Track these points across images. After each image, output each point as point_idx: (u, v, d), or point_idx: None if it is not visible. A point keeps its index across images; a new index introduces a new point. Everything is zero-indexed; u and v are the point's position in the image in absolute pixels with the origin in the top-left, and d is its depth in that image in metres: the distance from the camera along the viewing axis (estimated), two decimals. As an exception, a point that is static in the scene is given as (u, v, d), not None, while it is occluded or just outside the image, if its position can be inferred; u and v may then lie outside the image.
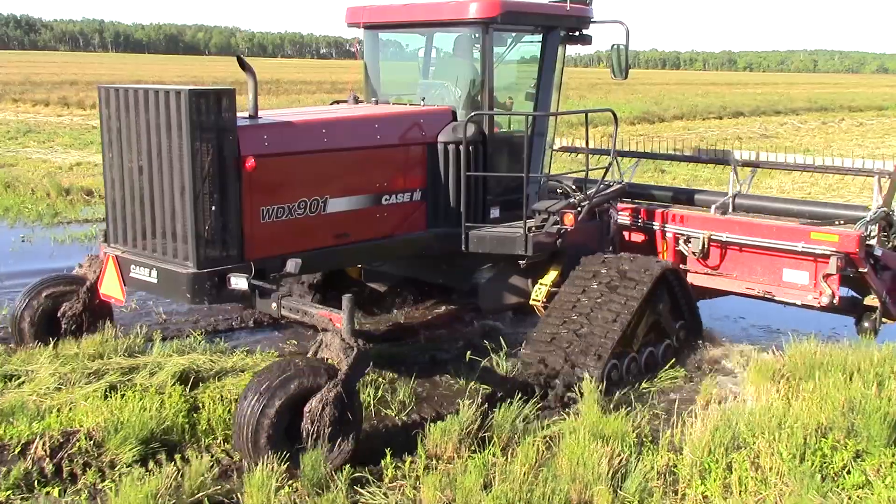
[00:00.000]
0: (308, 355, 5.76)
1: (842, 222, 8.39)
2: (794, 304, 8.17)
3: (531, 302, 7.94)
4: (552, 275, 7.92)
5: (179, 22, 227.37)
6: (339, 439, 5.34)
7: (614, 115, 8.44)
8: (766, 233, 8.10)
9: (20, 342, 7.12)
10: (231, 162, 5.94)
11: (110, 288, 6.53)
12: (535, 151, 8.10)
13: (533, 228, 7.60)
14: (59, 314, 7.17)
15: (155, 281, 6.16)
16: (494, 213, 7.92)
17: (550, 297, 7.77)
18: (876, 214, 8.07)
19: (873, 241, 7.97)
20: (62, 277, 7.46)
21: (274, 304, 6.07)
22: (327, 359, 5.58)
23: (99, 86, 6.48)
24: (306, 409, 5.31)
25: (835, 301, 7.80)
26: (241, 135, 6.01)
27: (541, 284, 7.92)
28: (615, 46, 8.31)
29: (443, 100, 8.08)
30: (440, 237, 7.65)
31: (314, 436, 5.28)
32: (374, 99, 8.41)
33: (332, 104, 9.03)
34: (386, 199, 7.26)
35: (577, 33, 8.37)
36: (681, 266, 8.56)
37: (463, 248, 7.64)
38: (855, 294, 8.39)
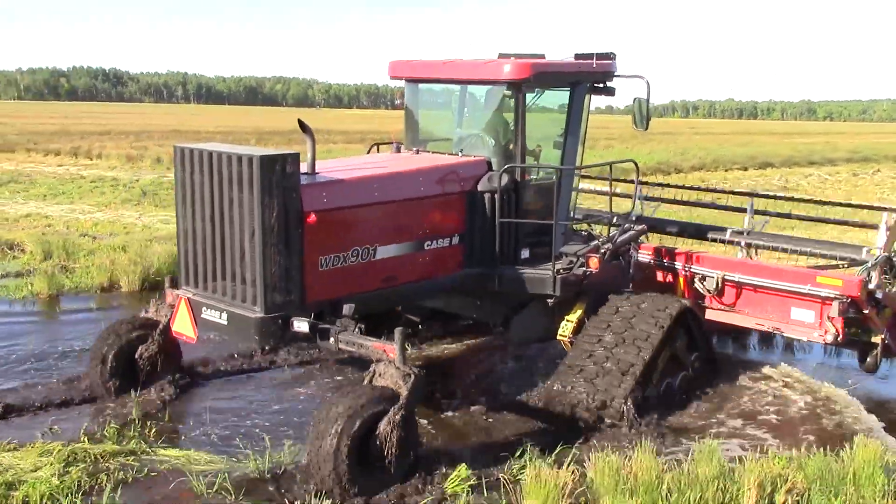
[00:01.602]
0: (364, 384, 6.34)
1: (846, 265, 9.14)
2: (801, 340, 8.87)
3: (558, 337, 8.58)
4: (578, 311, 8.58)
5: (259, 74, 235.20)
6: (403, 455, 6.04)
7: (636, 164, 9.14)
8: (776, 275, 8.73)
9: (102, 386, 7.63)
10: (294, 216, 6.55)
11: (183, 327, 7.14)
12: (563, 198, 8.74)
13: (561, 270, 8.26)
14: (136, 356, 7.71)
15: (225, 323, 6.77)
16: (525, 254, 8.55)
17: (576, 332, 8.45)
18: (877, 259, 8.69)
19: (874, 285, 8.57)
20: (137, 321, 7.94)
21: (332, 339, 6.67)
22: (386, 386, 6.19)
23: (175, 145, 7.09)
24: (378, 432, 5.91)
25: (839, 339, 8.39)
26: (304, 192, 6.64)
27: (567, 321, 8.57)
28: (637, 100, 8.86)
29: (477, 148, 8.68)
30: (475, 277, 8.30)
31: (386, 456, 5.93)
32: (413, 148, 9.01)
33: (372, 146, 9.77)
34: (428, 245, 7.90)
35: (602, 85, 8.98)
36: (698, 302, 9.21)
37: (497, 288, 8.32)
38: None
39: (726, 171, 33.51)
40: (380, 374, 6.33)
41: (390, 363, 6.32)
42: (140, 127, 52.02)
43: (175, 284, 7.58)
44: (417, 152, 8.92)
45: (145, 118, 67.37)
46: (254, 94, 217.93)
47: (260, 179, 6.33)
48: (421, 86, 9.25)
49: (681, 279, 9.36)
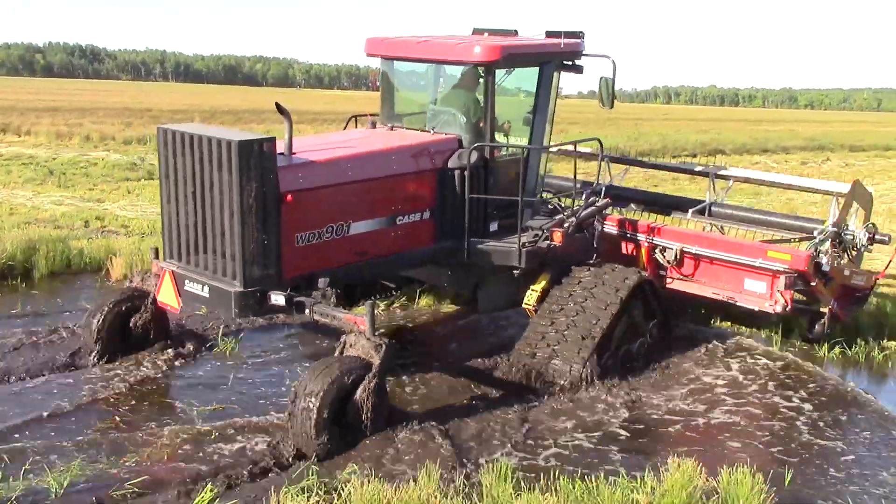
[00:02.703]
0: (336, 354, 6.82)
1: (797, 239, 9.70)
2: (753, 309, 9.30)
3: (524, 305, 9.00)
4: (542, 282, 9.01)
5: (239, 53, 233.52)
6: (377, 418, 6.58)
7: (600, 143, 9.55)
8: (731, 248, 9.23)
9: (97, 351, 8.01)
10: (272, 197, 6.92)
11: (167, 297, 7.57)
12: (530, 174, 9.17)
13: (526, 243, 8.64)
14: (130, 324, 8.18)
15: (206, 296, 7.18)
16: (493, 227, 8.97)
17: (540, 300, 8.88)
18: (826, 235, 9.21)
19: (823, 259, 9.06)
20: (130, 291, 8.36)
21: (307, 311, 7.08)
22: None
23: (158, 127, 7.40)
24: (354, 398, 6.46)
25: (787, 308, 8.91)
26: (281, 174, 6.99)
27: (532, 290, 8.99)
28: (602, 79, 9.14)
29: (449, 126, 8.99)
30: (446, 250, 8.71)
31: (360, 418, 6.49)
32: (388, 124, 9.35)
33: (350, 119, 10.11)
34: (400, 220, 8.26)
35: (570, 63, 9.31)
36: (658, 272, 9.69)
37: (465, 260, 8.72)
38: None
39: (673, 157, 32.58)
40: (350, 345, 6.78)
41: (361, 334, 6.76)
42: (94, 105, 49.48)
43: (158, 256, 7.93)
44: (392, 128, 9.22)
45: (110, 95, 64.39)
46: (233, 72, 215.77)
47: (238, 162, 6.66)
48: (396, 63, 9.48)
49: (643, 250, 9.77)
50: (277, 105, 7.24)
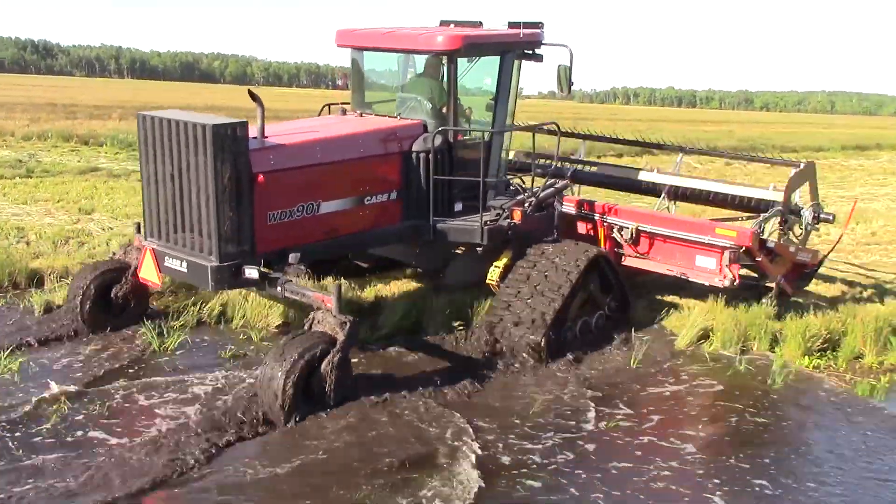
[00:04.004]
0: (305, 328, 7.28)
1: (744, 217, 10.32)
2: (704, 285, 9.81)
3: (487, 281, 9.47)
4: (504, 259, 9.49)
5: (197, 50, 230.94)
6: (340, 389, 7.01)
7: (557, 126, 10.00)
8: (681, 226, 9.76)
9: (81, 319, 8.55)
10: (245, 177, 7.37)
11: (148, 273, 8.02)
12: (493, 157, 9.64)
13: (488, 222, 9.11)
14: (111, 295, 8.68)
15: (185, 271, 7.64)
16: (458, 207, 9.42)
17: (502, 276, 9.33)
18: (771, 213, 9.81)
19: (767, 236, 9.64)
20: (112, 263, 8.88)
21: (279, 289, 7.59)
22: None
23: (138, 113, 7.82)
24: (321, 370, 6.89)
25: (735, 283, 9.44)
26: (253, 156, 7.45)
27: (495, 266, 9.47)
28: (560, 66, 9.58)
29: (416, 112, 9.45)
30: (412, 228, 9.16)
31: (325, 390, 6.93)
32: (358, 111, 9.82)
33: (323, 107, 10.46)
34: (367, 200, 8.72)
35: (530, 52, 9.72)
36: (615, 250, 10.19)
37: (431, 238, 9.18)
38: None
39: (599, 157, 31.49)
40: (318, 321, 7.25)
41: (328, 311, 7.23)
42: (16, 100, 45.86)
43: (140, 230, 8.43)
44: (361, 115, 9.69)
45: (41, 90, 61.15)
46: (190, 69, 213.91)
47: (213, 145, 7.10)
48: (366, 53, 9.92)
49: (601, 230, 10.26)
50: (250, 92, 7.68)
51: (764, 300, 10.02)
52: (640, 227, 9.97)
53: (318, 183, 8.22)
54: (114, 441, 6.49)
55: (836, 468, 6.73)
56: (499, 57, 9.50)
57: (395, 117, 9.45)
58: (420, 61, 9.80)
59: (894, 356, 9.16)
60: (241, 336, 8.91)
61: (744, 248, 9.35)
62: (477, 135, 9.57)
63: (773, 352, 9.17)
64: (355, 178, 8.60)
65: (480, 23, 10.14)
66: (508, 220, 9.29)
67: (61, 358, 8.09)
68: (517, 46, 9.60)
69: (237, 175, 7.30)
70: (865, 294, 11.49)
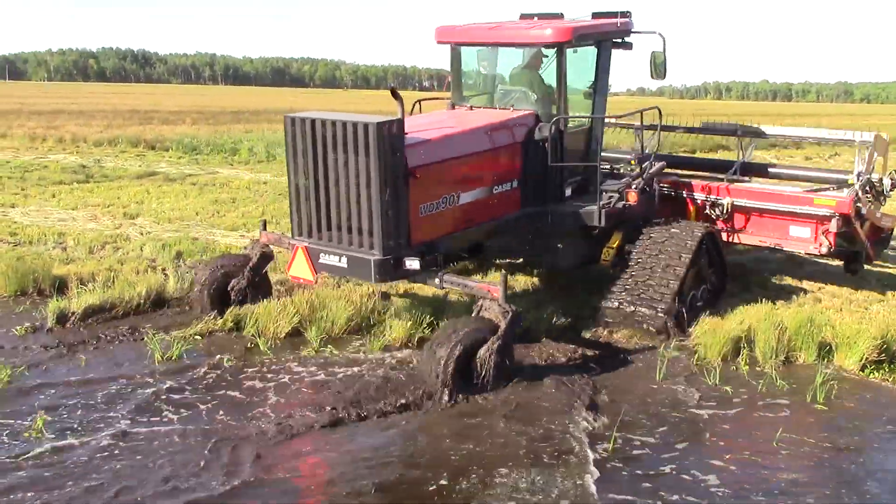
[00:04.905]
0: (472, 316, 7.57)
1: (834, 186, 10.67)
2: (799, 253, 10.30)
3: (602, 261, 9.86)
4: (617, 240, 9.84)
5: (287, 55, 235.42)
6: (498, 377, 7.28)
7: (659, 111, 10.21)
8: (780, 199, 10.11)
9: (200, 308, 9.00)
10: (401, 172, 7.53)
11: (300, 271, 8.12)
12: (595, 143, 10.00)
13: (604, 205, 9.36)
14: (229, 288, 9.02)
15: (345, 266, 7.80)
16: (568, 192, 9.73)
17: (616, 256, 9.76)
18: (861, 181, 10.15)
19: (860, 203, 9.91)
20: (233, 257, 9.41)
21: (437, 280, 7.82)
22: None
23: (286, 115, 7.92)
24: (478, 356, 7.19)
25: (831, 250, 9.90)
26: (408, 151, 7.61)
27: (609, 247, 9.82)
28: (653, 53, 9.86)
29: (521, 102, 9.73)
30: (531, 215, 9.42)
31: (482, 374, 7.21)
32: (467, 105, 10.04)
33: (415, 103, 10.57)
34: (496, 189, 8.98)
35: (621, 40, 10.00)
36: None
37: (549, 223, 9.49)
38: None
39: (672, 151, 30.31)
40: (485, 309, 7.56)
41: (493, 300, 7.53)
42: (100, 107, 48.62)
43: (266, 227, 9.20)
44: (471, 108, 9.95)
45: (129, 97, 61.84)
46: (281, 74, 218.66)
47: (376, 142, 7.26)
48: (465, 48, 10.18)
49: (693, 207, 10.74)
50: (392, 90, 7.75)
51: (853, 265, 10.70)
52: (735, 202, 10.35)
53: (460, 174, 8.46)
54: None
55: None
56: (595, 47, 9.80)
57: (509, 109, 9.66)
58: (519, 54, 10.03)
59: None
60: (249, 344, 8.58)
61: (841, 216, 9.71)
62: (581, 122, 9.87)
63: (823, 362, 8.35)
64: (488, 169, 8.86)
65: (562, 14, 10.33)
66: (623, 203, 9.56)
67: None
68: (613, 35, 9.91)
69: (396, 170, 7.48)
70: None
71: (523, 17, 10.55)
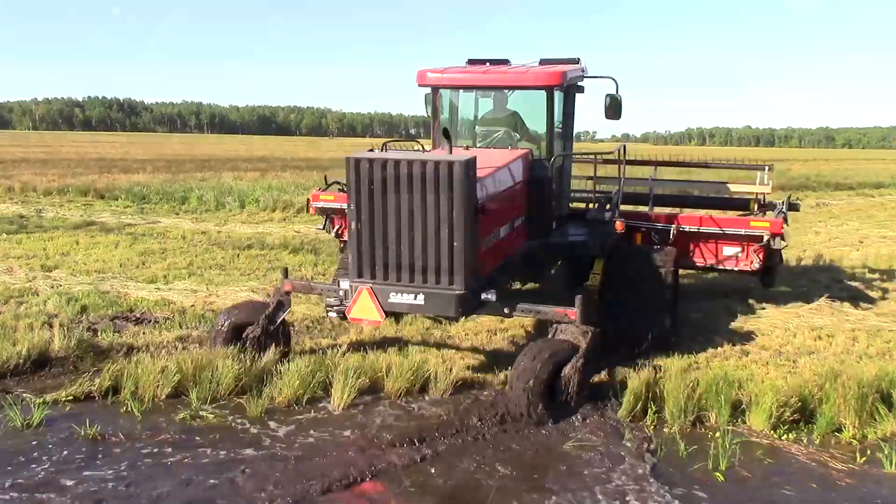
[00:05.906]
0: (549, 337, 8.02)
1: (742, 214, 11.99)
2: (733, 271, 11.33)
3: (588, 285, 10.12)
4: (599, 266, 10.29)
5: (273, 104, 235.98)
6: (581, 392, 7.68)
7: (624, 147, 11.00)
8: (721, 224, 11.11)
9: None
10: (473, 207, 7.63)
11: (365, 312, 7.94)
12: (567, 178, 10.97)
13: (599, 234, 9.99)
14: (243, 336, 8.89)
15: (422, 303, 7.77)
16: (555, 224, 10.27)
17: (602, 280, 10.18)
18: (783, 205, 11.84)
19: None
20: (251, 305, 9.48)
21: (506, 309, 8.18)
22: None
23: (347, 157, 7.74)
24: (563, 374, 7.59)
25: (760, 266, 11.00)
26: (478, 187, 7.70)
27: (594, 274, 10.23)
28: (608, 95, 10.48)
29: (503, 142, 10.24)
30: (533, 248, 9.73)
31: (567, 391, 7.58)
32: (463, 145, 10.24)
33: (384, 144, 10.63)
34: (515, 223, 9.32)
35: (576, 85, 10.72)
36: None
37: (547, 253, 9.96)
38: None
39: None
40: (561, 331, 7.99)
41: (570, 322, 7.95)
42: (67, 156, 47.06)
43: (287, 275, 9.21)
44: (467, 148, 10.06)
45: (103, 147, 61.02)
46: (267, 123, 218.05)
47: (462, 180, 7.39)
48: (450, 91, 10.61)
49: (640, 234, 11.46)
50: (444, 130, 7.98)
51: (766, 278, 11.73)
52: (680, 228, 11.21)
53: (500, 210, 8.64)
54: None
55: None
56: (563, 92, 10.42)
57: (507, 149, 10.04)
58: (505, 96, 10.49)
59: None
60: (123, 409, 7.94)
61: (772, 235, 10.76)
62: (556, 160, 10.36)
63: (735, 422, 7.80)
64: (513, 204, 9.20)
65: (508, 60, 10.86)
66: (612, 232, 10.25)
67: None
68: (578, 79, 10.61)
69: (472, 205, 7.59)
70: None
71: (471, 62, 10.85)
